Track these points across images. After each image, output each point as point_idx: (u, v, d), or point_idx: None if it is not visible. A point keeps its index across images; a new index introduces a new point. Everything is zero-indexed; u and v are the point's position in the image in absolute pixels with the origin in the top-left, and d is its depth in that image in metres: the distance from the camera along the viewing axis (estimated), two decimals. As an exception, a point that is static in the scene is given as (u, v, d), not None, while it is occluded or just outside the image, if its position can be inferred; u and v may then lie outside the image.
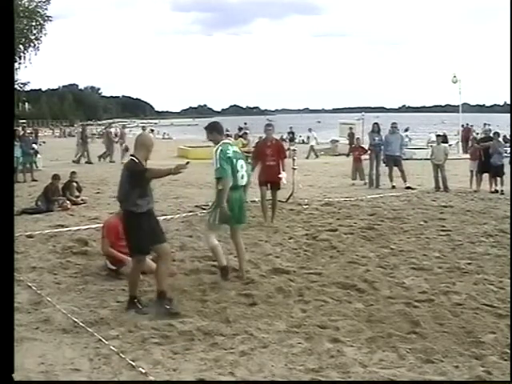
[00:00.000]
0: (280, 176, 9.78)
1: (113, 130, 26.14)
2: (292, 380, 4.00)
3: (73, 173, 12.75)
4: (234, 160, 6.26)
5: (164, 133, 58.19)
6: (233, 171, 6.20)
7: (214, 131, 6.46)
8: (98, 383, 3.96)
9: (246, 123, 35.11)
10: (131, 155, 5.39)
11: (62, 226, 9.41)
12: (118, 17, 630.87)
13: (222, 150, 6.20)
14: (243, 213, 6.59)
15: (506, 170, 14.44)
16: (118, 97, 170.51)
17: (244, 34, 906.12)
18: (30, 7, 27.01)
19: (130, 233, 5.37)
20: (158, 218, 9.62)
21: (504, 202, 12.14)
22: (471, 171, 14.85)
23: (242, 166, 6.35)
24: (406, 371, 4.10)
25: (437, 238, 8.61)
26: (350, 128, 29.58)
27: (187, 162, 5.28)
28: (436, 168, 14.61)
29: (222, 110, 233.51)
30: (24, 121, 45.64)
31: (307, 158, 27.22)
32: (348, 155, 21.73)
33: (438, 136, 17.10)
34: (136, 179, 5.16)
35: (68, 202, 11.54)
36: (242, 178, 6.36)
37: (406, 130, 31.07)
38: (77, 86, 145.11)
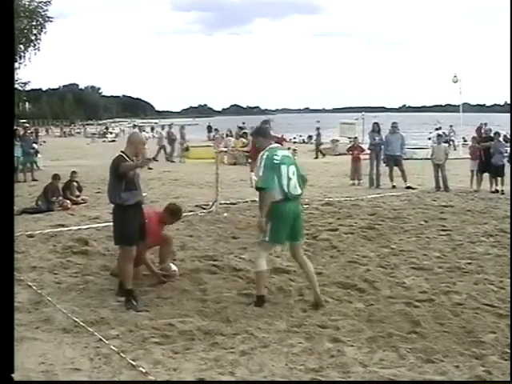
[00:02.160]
0: None
1: (173, 129, 26.60)
2: (292, 380, 4.00)
3: (73, 172, 12.75)
4: (284, 166, 5.33)
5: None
6: (282, 179, 5.29)
7: (259, 136, 5.75)
8: (98, 383, 3.96)
9: (244, 123, 35.14)
10: (121, 151, 5.69)
11: (63, 226, 9.42)
12: (118, 16, 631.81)
13: (267, 156, 5.35)
14: (300, 228, 5.68)
15: (507, 169, 14.43)
16: (118, 96, 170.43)
17: (244, 34, 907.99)
18: (31, 7, 26.99)
19: (116, 224, 5.69)
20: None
21: (504, 202, 12.14)
22: (472, 171, 14.84)
23: (294, 172, 5.39)
24: (406, 371, 4.11)
25: (437, 238, 8.61)
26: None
27: (152, 158, 5.85)
28: (436, 168, 14.60)
29: (223, 109, 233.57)
30: (25, 120, 45.63)
31: (316, 157, 27.23)
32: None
33: (438, 136, 17.08)
34: (118, 173, 5.47)
35: (68, 201, 11.55)
36: (296, 186, 5.40)
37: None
38: (77, 85, 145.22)
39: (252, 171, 10.05)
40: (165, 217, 6.58)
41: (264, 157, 5.35)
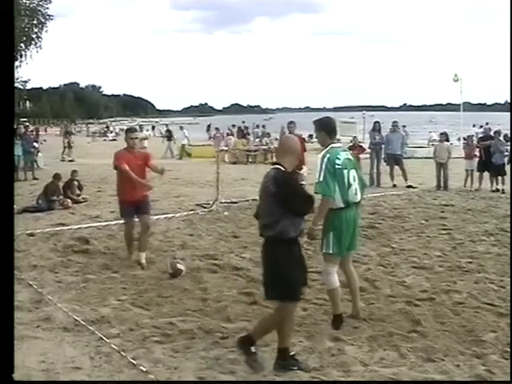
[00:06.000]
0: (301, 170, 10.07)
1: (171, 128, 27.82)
2: (293, 379, 4.00)
3: (74, 171, 12.74)
4: (345, 171, 4.84)
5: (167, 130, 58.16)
6: (343, 185, 4.82)
7: (323, 130, 4.99)
8: (98, 383, 3.96)
9: (243, 121, 35.18)
10: (275, 162, 4.31)
11: (63, 225, 9.42)
12: (118, 15, 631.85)
13: (329, 159, 4.79)
14: (357, 237, 5.20)
15: (507, 168, 14.42)
16: (119, 95, 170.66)
17: (244, 33, 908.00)
18: (31, 6, 26.98)
19: (273, 268, 4.07)
20: (159, 216, 9.80)
21: (505, 201, 12.12)
22: (466, 170, 14.80)
23: (354, 177, 4.91)
24: (406, 370, 4.11)
25: (438, 237, 8.60)
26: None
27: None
28: (439, 167, 14.57)
29: (223, 108, 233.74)
30: (25, 119, 45.64)
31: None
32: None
33: (441, 134, 16.88)
34: (293, 200, 4.15)
35: (69, 200, 11.55)
36: (356, 193, 4.94)
37: (404, 127, 31.14)
38: (78, 84, 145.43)
39: (304, 164, 10.00)
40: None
41: (325, 160, 4.80)
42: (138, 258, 7.02)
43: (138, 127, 33.01)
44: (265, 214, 4.03)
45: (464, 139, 31.09)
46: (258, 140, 27.02)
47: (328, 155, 4.82)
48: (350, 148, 17.13)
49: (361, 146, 17.26)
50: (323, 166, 4.78)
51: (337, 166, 4.78)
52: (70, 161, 23.57)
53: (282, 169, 4.03)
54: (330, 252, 4.90)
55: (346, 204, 4.84)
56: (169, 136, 28.25)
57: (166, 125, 34.09)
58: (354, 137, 19.48)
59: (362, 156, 16.54)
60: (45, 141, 32.61)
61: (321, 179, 4.76)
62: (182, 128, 28.95)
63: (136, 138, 7.42)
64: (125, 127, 57.43)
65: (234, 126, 32.14)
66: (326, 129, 4.99)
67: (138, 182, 6.95)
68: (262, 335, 4.21)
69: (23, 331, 4.71)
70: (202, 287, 6.02)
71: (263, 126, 31.22)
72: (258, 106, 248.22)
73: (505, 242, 8.13)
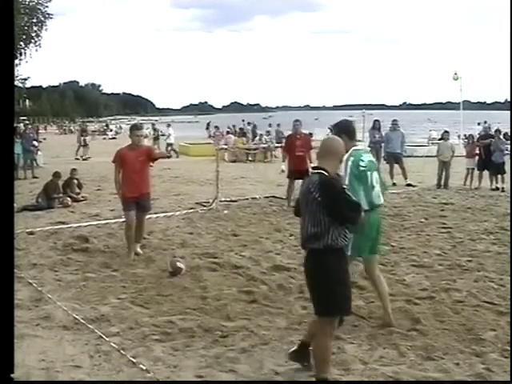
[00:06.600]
0: (308, 168, 10.57)
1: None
2: (293, 378, 4.00)
3: (73, 170, 12.74)
4: (369, 173, 4.78)
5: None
6: (367, 187, 4.75)
7: (343, 133, 4.71)
8: (98, 383, 3.96)
9: (243, 120, 35.17)
10: (317, 167, 3.99)
11: (63, 223, 9.41)
12: (117, 14, 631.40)
13: (353, 162, 4.72)
14: (380, 240, 5.18)
15: (507, 167, 14.41)
16: (118, 94, 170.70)
17: (244, 31, 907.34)
18: (31, 4, 26.95)
19: (323, 282, 3.76)
20: (159, 214, 9.80)
21: (504, 200, 12.12)
22: (467, 169, 14.79)
23: (376, 179, 4.85)
24: (406, 368, 4.11)
25: (437, 236, 8.60)
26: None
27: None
28: (442, 165, 14.54)
29: (223, 106, 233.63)
30: (25, 117, 45.58)
31: None
32: None
33: (444, 132, 16.80)
34: (345, 207, 3.91)
35: (69, 198, 11.55)
36: (379, 195, 4.88)
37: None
38: (77, 82, 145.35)
39: (311, 162, 10.72)
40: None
41: (349, 163, 4.69)
42: (136, 251, 7.26)
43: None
44: (310, 224, 3.69)
45: (464, 137, 31.20)
46: (257, 138, 27.02)
47: (352, 158, 4.74)
48: None
49: None
50: (348, 170, 4.68)
51: (361, 168, 4.71)
52: (85, 159, 23.47)
53: (326, 173, 3.71)
54: (348, 253, 4.46)
55: (370, 206, 4.74)
56: (156, 136, 27.84)
57: (153, 124, 33.70)
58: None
59: None
60: (44, 139, 32.60)
61: (347, 183, 4.58)
62: (169, 125, 28.29)
63: (141, 135, 7.51)
64: (124, 125, 57.61)
65: (234, 126, 31.94)
66: (345, 131, 4.84)
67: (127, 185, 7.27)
68: (323, 365, 3.80)
69: (23, 329, 4.71)
70: (201, 285, 6.02)
71: (254, 126, 31.56)
72: (258, 105, 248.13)
73: (504, 241, 8.13)
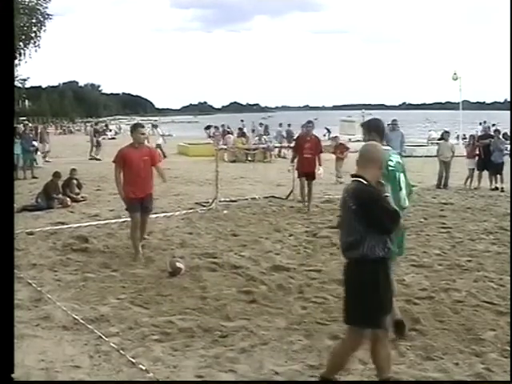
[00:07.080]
0: (317, 171, 11.10)
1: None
2: (293, 378, 4.00)
3: (73, 170, 12.73)
4: (397, 174, 4.60)
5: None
6: (395, 188, 4.51)
7: (374, 132, 4.67)
8: (97, 383, 3.96)
9: (242, 120, 35.09)
10: (356, 174, 3.80)
11: (63, 223, 9.41)
12: (117, 14, 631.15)
13: None
14: (404, 242, 5.09)
15: (507, 167, 14.42)
16: (118, 94, 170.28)
17: (244, 31, 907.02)
18: (31, 4, 26.95)
19: (356, 291, 3.69)
20: (159, 214, 9.80)
21: (504, 200, 12.14)
22: (469, 169, 14.79)
23: (403, 181, 4.67)
24: (406, 368, 4.11)
25: (437, 236, 8.61)
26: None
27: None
28: (443, 165, 14.53)
29: (223, 106, 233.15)
30: (25, 118, 45.52)
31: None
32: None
33: (444, 133, 16.79)
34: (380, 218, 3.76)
35: (68, 199, 11.54)
36: (405, 198, 4.69)
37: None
38: (77, 83, 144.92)
39: (320, 165, 11.22)
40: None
41: None
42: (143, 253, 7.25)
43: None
44: (346, 233, 3.62)
45: (464, 138, 31.26)
46: (257, 138, 27.02)
47: None
48: (334, 148, 17.01)
49: (343, 145, 17.10)
50: None
51: (390, 168, 4.51)
52: (97, 159, 23.36)
53: (364, 182, 3.58)
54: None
55: (396, 207, 4.53)
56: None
57: (153, 124, 33.37)
58: (335, 137, 19.48)
59: (344, 155, 16.28)
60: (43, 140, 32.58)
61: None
62: (156, 126, 27.24)
63: (144, 133, 7.50)
64: (123, 126, 57.59)
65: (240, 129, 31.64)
66: (376, 130, 4.71)
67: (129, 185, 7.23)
68: (336, 371, 3.80)
69: (23, 330, 4.71)
70: (201, 286, 6.02)
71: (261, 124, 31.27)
72: (258, 105, 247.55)
73: (504, 241, 8.14)
